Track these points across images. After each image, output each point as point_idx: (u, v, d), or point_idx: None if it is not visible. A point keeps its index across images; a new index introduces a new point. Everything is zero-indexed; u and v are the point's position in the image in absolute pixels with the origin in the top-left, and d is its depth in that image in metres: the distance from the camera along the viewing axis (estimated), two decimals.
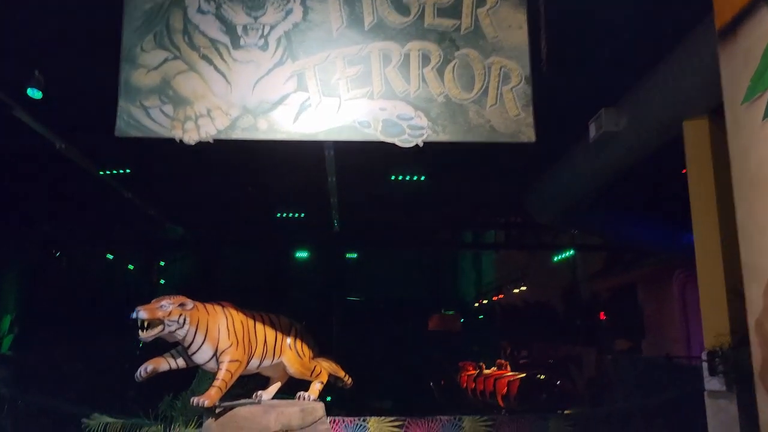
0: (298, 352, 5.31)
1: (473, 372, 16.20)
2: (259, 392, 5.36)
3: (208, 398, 4.56)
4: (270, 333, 5.16)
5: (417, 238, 17.08)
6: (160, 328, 4.46)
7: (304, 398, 5.34)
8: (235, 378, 4.79)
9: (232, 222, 15.28)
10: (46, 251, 14.64)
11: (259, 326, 5.11)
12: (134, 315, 4.36)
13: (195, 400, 4.55)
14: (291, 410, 4.93)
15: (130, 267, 19.13)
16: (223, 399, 4.82)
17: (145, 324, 4.41)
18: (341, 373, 5.76)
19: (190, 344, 4.67)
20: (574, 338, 17.25)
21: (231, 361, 4.72)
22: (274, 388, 5.45)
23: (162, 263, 20.88)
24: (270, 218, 13.76)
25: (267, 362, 5.15)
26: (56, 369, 12.40)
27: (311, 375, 5.43)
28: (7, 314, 13.84)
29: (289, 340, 5.29)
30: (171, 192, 12.52)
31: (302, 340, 5.39)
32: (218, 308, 4.90)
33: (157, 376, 4.66)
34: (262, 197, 12.38)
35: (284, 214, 12.90)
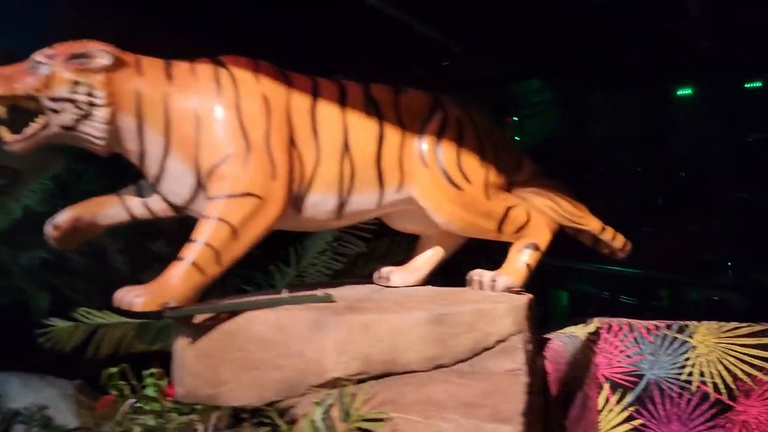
0: (448, 174, 2.06)
1: None
2: (386, 269, 2.36)
3: (162, 291, 1.76)
4: (366, 128, 2.02)
5: None
6: (42, 121, 1.78)
7: (481, 286, 2.14)
8: (252, 238, 1.86)
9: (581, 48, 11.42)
10: None
11: (331, 111, 2.00)
12: None
13: (123, 294, 1.79)
14: (404, 320, 1.79)
15: None
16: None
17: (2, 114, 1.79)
18: (594, 226, 2.30)
19: (141, 158, 1.90)
20: None
21: (232, 197, 1.81)
22: (427, 262, 2.36)
23: (515, 118, 18.32)
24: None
25: (367, 200, 2.05)
26: None
27: (499, 229, 2.16)
28: None
29: (424, 145, 2.07)
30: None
31: (467, 144, 2.11)
32: (209, 68, 1.94)
33: None
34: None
35: None
